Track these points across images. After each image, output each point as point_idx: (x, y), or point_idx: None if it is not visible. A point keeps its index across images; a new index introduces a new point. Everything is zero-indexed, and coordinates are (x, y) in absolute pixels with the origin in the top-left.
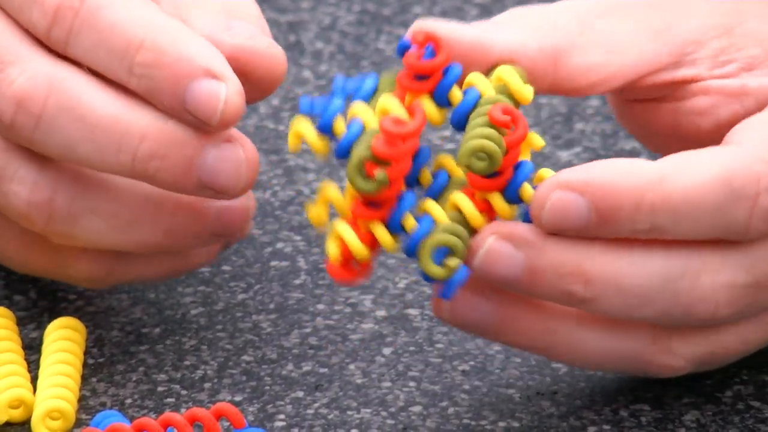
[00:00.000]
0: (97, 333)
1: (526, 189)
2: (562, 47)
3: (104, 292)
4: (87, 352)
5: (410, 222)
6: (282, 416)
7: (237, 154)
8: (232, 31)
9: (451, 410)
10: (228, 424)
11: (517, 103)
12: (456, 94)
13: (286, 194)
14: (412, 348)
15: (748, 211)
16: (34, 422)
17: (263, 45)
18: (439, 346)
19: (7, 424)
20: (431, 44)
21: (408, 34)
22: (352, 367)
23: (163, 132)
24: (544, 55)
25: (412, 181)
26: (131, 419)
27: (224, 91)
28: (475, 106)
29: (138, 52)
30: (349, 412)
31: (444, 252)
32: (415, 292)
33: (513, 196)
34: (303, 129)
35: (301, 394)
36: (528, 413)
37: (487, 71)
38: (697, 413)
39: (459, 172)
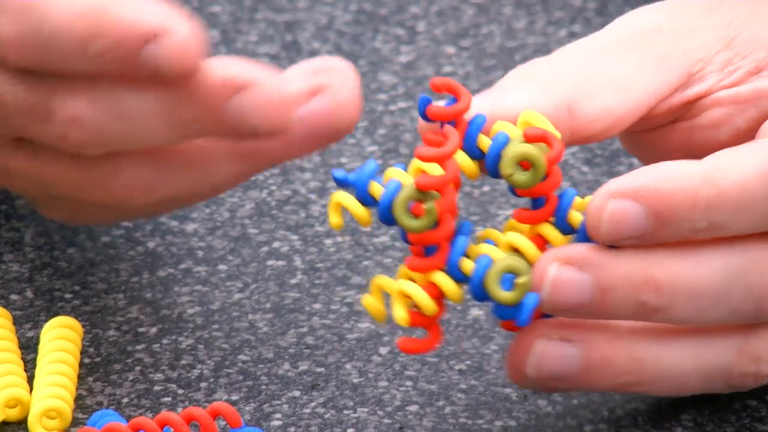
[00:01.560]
0: (93, 332)
1: (574, 215)
2: (571, 99)
3: (100, 291)
4: (83, 352)
5: (468, 265)
6: (278, 415)
7: (259, 94)
8: None
9: (447, 409)
10: (225, 423)
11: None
12: (484, 141)
13: (282, 194)
14: None
15: None
16: (31, 421)
17: None
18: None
19: (4, 423)
20: (451, 94)
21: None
22: (348, 366)
23: (195, 94)
24: (559, 112)
25: (460, 255)
26: (128, 418)
27: (169, 43)
28: (505, 147)
29: (90, 44)
30: (346, 412)
31: (510, 279)
32: None
33: (563, 224)
34: (342, 198)
35: (297, 393)
36: (524, 412)
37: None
38: (693, 412)
39: (504, 240)
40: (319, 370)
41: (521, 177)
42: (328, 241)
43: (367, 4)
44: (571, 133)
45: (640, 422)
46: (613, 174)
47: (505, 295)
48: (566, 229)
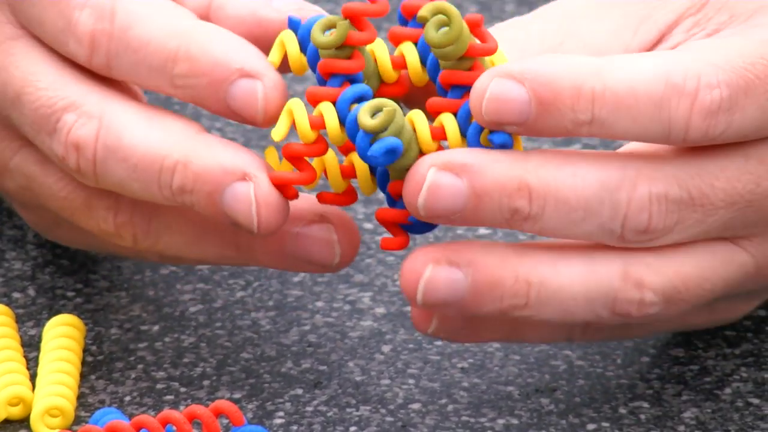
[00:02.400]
0: (96, 330)
1: None
2: None
3: (103, 289)
4: (86, 350)
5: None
6: (281, 413)
7: (247, 194)
8: (274, 4)
9: (450, 407)
10: (227, 421)
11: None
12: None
13: None
14: (411, 345)
15: (687, 107)
16: (33, 420)
17: (311, 13)
18: (438, 343)
19: (6, 421)
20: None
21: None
22: (351, 364)
23: (189, 167)
24: None
25: (355, 95)
26: (130, 417)
27: (261, 89)
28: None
29: (175, 65)
30: (348, 410)
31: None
32: None
33: (465, 121)
34: (285, 37)
35: (300, 391)
36: (527, 410)
37: None
38: (696, 411)
39: (409, 116)
40: (321, 368)
41: (435, 33)
42: None
43: None
44: None
45: (643, 420)
46: None
47: (369, 121)
48: (467, 128)
